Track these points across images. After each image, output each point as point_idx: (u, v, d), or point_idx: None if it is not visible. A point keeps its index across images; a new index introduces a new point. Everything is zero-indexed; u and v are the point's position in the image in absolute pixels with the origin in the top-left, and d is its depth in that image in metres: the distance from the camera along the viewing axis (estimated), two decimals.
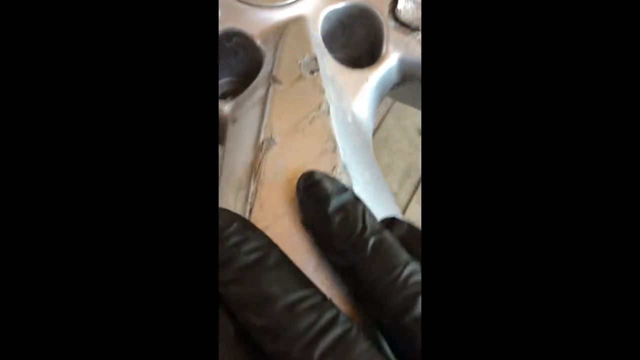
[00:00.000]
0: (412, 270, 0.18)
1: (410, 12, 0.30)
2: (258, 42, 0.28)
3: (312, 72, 0.25)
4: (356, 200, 0.20)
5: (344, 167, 0.23)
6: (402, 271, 0.18)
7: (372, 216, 0.20)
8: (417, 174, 1.29)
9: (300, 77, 0.25)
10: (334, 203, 0.20)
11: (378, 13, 0.30)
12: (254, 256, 0.18)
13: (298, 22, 0.28)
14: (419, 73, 0.31)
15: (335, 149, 0.23)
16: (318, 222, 0.20)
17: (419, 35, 0.30)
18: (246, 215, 0.22)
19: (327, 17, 0.30)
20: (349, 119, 0.27)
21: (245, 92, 0.27)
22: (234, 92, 0.33)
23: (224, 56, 0.31)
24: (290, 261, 0.19)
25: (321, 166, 0.22)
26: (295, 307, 0.17)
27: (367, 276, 0.19)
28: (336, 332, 0.17)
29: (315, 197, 0.20)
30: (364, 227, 0.19)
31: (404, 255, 0.19)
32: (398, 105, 1.33)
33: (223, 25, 0.29)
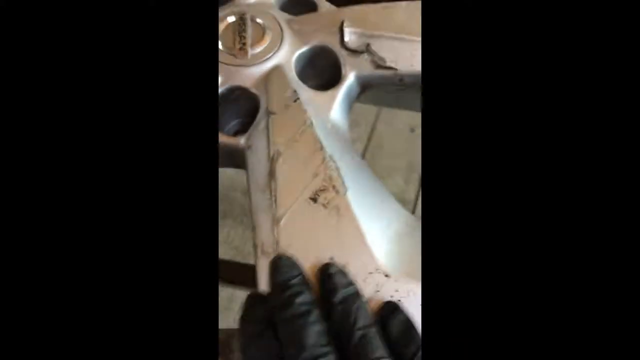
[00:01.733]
0: None
1: (355, 41, 0.41)
2: (253, 90, 0.39)
3: (294, 100, 0.36)
4: (359, 297, 0.28)
5: (330, 157, 0.33)
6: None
7: (365, 311, 0.27)
8: (419, 168, 1.37)
9: (287, 106, 0.36)
10: (339, 295, 0.27)
11: (332, 47, 0.41)
12: (304, 308, 0.26)
13: (276, 70, 0.39)
14: (373, 82, 0.42)
15: (322, 148, 0.34)
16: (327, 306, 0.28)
17: (366, 56, 0.41)
18: (273, 205, 0.32)
19: (297, 60, 0.41)
20: (329, 126, 0.38)
21: (252, 126, 0.38)
22: (243, 129, 0.44)
23: (229, 105, 0.42)
24: (322, 320, 0.26)
25: (314, 160, 0.33)
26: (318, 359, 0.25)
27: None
28: None
29: (327, 288, 0.28)
30: (355, 321, 0.26)
31: (379, 352, 0.25)
32: (385, 111, 1.43)
33: (225, 85, 0.40)
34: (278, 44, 0.40)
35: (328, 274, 0.29)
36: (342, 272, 0.29)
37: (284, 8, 0.45)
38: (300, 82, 0.40)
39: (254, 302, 0.29)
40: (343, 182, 0.32)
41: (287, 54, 0.41)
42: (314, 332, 0.25)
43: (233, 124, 0.44)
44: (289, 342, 0.26)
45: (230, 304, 1.12)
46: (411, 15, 0.41)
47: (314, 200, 0.32)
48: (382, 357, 0.25)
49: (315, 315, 0.26)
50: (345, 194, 0.32)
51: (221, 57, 0.40)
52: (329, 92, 0.40)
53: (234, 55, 0.39)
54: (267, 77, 0.39)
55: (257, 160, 0.35)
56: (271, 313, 0.27)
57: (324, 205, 0.32)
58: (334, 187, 0.32)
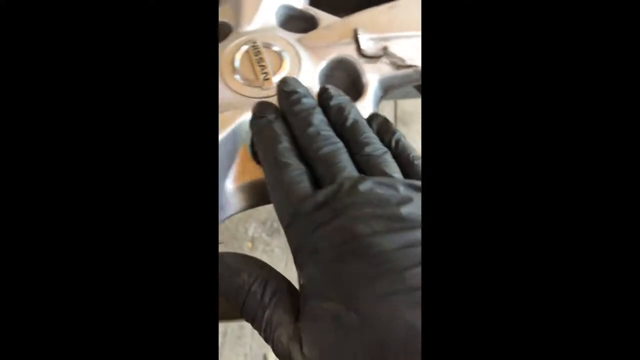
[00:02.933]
0: (370, 136, 0.32)
1: (372, 47, 0.41)
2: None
3: None
4: (350, 102, 0.35)
5: None
6: (365, 135, 0.32)
7: (356, 109, 0.35)
8: None
9: None
10: (335, 100, 0.35)
11: (349, 58, 0.41)
12: (309, 105, 0.34)
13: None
14: (395, 82, 0.42)
15: None
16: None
17: (385, 59, 0.41)
18: None
19: (319, 77, 0.41)
20: None
21: None
22: None
23: None
24: (323, 115, 0.34)
25: None
26: (321, 132, 0.32)
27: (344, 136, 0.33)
28: (334, 144, 0.31)
29: (324, 97, 0.36)
30: (349, 112, 0.34)
31: (368, 132, 0.33)
32: None
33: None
34: (298, 66, 0.40)
35: (324, 88, 0.36)
36: (337, 88, 0.36)
37: (285, 27, 0.44)
38: None
39: (264, 104, 0.35)
40: None
41: (309, 74, 0.40)
42: (319, 118, 0.33)
43: None
44: (298, 124, 0.33)
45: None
46: (418, 10, 0.41)
47: None
48: (372, 136, 0.32)
49: (319, 110, 0.34)
50: None
51: (245, 92, 0.38)
52: (363, 101, 0.40)
53: (260, 87, 0.38)
54: None
55: None
56: (280, 110, 0.35)
57: None
58: None
